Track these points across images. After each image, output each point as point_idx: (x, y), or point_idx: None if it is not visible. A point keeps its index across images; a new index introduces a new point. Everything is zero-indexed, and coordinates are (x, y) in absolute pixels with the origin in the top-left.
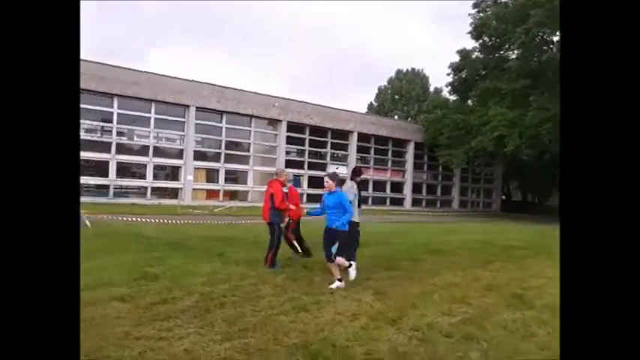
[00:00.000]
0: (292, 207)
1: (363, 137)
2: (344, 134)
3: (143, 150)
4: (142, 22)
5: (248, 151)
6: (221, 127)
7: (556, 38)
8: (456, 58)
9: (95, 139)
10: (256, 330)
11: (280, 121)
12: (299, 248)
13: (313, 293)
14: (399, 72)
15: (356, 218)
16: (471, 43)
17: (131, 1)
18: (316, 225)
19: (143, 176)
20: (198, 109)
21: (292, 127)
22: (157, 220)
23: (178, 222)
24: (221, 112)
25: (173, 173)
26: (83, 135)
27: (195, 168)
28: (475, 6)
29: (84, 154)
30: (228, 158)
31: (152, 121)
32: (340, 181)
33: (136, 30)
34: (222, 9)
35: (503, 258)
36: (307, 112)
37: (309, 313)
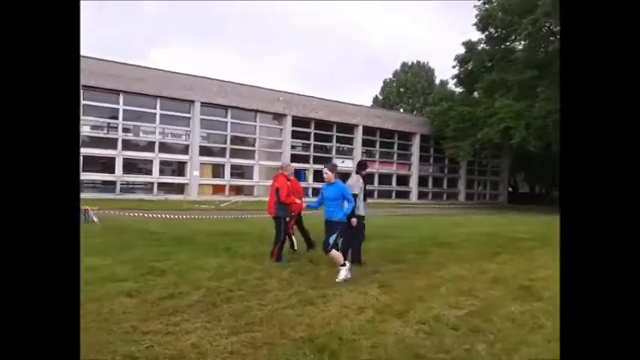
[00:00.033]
0: (297, 201)
1: (368, 131)
2: (349, 128)
3: (149, 146)
4: (143, 22)
5: (253, 145)
6: (226, 122)
7: None
8: (462, 50)
9: (102, 135)
10: (263, 324)
11: (285, 115)
12: (295, 244)
13: (319, 287)
14: (404, 65)
15: (361, 212)
16: (476, 35)
17: (132, 1)
18: (319, 219)
19: (149, 172)
20: (203, 104)
21: (297, 121)
22: (163, 216)
23: (185, 217)
24: (226, 107)
25: (179, 169)
26: (90, 132)
27: (201, 163)
28: None
29: (91, 151)
30: (234, 153)
31: (157, 117)
32: (343, 175)
33: (136, 29)
34: (222, 8)
35: (510, 250)
36: (312, 106)
37: (316, 307)
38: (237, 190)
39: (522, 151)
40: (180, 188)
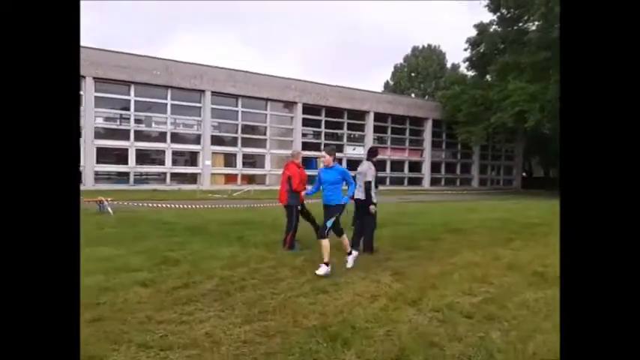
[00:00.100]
0: (309, 187)
1: (379, 117)
2: (360, 114)
3: (161, 136)
4: (152, 11)
5: (264, 134)
6: (237, 111)
7: None
8: (474, 33)
9: (114, 127)
10: (276, 312)
11: (296, 103)
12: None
13: (332, 275)
14: (414, 49)
15: (373, 199)
16: (488, 17)
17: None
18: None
19: (162, 162)
20: (213, 93)
21: (308, 108)
22: (176, 206)
23: (198, 207)
24: (237, 96)
25: (192, 158)
26: (103, 124)
27: (213, 153)
28: None
29: (105, 142)
30: (245, 142)
31: (169, 108)
32: (355, 162)
33: (145, 19)
34: None
35: (524, 236)
36: (323, 93)
37: (328, 295)
38: (249, 179)
39: (537, 135)
40: (193, 178)
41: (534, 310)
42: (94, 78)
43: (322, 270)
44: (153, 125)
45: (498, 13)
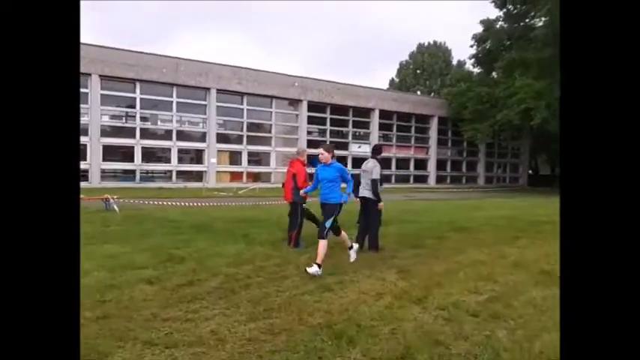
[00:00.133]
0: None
1: (385, 114)
2: (366, 112)
3: (167, 134)
4: (157, 9)
5: (270, 132)
6: (242, 109)
7: None
8: (480, 29)
9: (120, 125)
10: (281, 310)
11: (301, 100)
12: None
13: (337, 273)
14: (420, 46)
15: (377, 197)
16: (494, 13)
17: None
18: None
19: (168, 160)
20: (219, 91)
21: (313, 106)
22: (182, 204)
23: (203, 204)
24: (242, 94)
25: (197, 156)
26: (109, 121)
27: (219, 150)
28: None
29: (111, 140)
30: (251, 140)
31: (174, 105)
32: (360, 160)
33: (150, 17)
34: None
35: (530, 234)
36: (328, 90)
37: (334, 293)
38: (255, 176)
39: (543, 133)
40: (198, 176)
41: (541, 308)
42: (100, 76)
43: (313, 269)
44: (158, 123)
45: (504, 9)
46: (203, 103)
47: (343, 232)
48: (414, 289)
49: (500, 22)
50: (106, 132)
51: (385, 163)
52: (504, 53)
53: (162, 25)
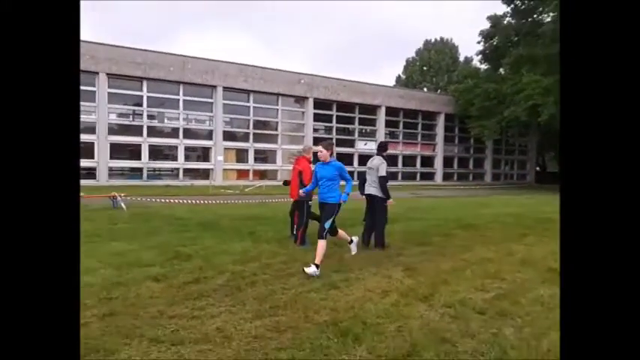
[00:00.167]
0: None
1: (391, 111)
2: (372, 109)
3: (174, 132)
4: (164, 7)
5: (276, 129)
6: (249, 107)
7: None
8: (487, 25)
9: (127, 123)
10: (287, 308)
11: (307, 98)
12: (295, 230)
13: (343, 270)
14: (427, 42)
15: (385, 194)
16: (502, 8)
17: None
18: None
19: (175, 158)
20: (225, 89)
21: (319, 103)
22: (189, 201)
23: (210, 202)
24: (248, 92)
25: (204, 154)
26: (117, 120)
27: (225, 148)
28: None
29: (118, 138)
30: (257, 138)
31: (181, 103)
32: (366, 157)
33: (156, 15)
34: None
35: (538, 231)
36: (334, 87)
37: (339, 291)
38: (261, 174)
39: (551, 129)
40: (205, 174)
41: (548, 306)
42: (107, 74)
43: (311, 269)
44: (165, 121)
45: (512, 5)
46: (210, 100)
47: (340, 231)
48: (420, 287)
49: (507, 18)
50: (113, 130)
51: (392, 161)
52: (512, 49)
53: (164, 24)
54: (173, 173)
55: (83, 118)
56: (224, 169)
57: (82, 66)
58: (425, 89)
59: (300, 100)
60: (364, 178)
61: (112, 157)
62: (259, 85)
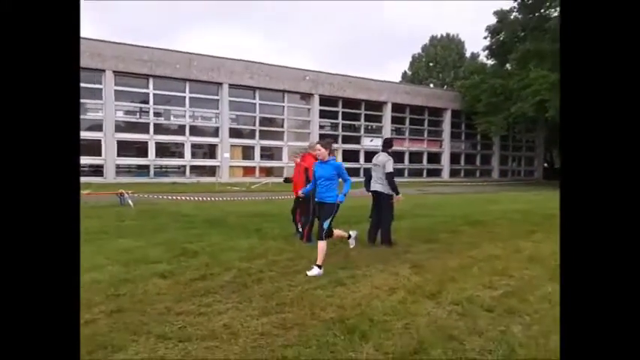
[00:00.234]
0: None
1: (397, 107)
2: (378, 105)
3: (180, 129)
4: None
5: (282, 126)
6: (254, 104)
7: None
8: (493, 20)
9: (134, 120)
10: (293, 305)
11: (313, 94)
12: (299, 227)
13: (350, 267)
14: (433, 38)
15: (389, 191)
16: (508, 3)
17: None
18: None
19: (182, 155)
20: (231, 86)
21: (325, 100)
22: (196, 198)
23: (217, 199)
24: (254, 89)
25: (210, 151)
26: (124, 117)
27: (232, 145)
28: None
29: (125, 136)
30: (263, 135)
31: (187, 100)
32: (372, 154)
33: (162, 12)
34: None
35: (545, 228)
36: (340, 84)
37: (346, 288)
38: (267, 171)
39: (558, 125)
40: (211, 170)
41: (556, 303)
42: (114, 72)
43: (314, 271)
44: (172, 118)
45: (519, 0)
46: (215, 98)
47: (336, 230)
48: (427, 284)
49: (514, 13)
50: (120, 127)
51: (398, 157)
52: (518, 45)
53: (170, 21)
54: (180, 170)
55: (90, 115)
56: (230, 166)
57: (89, 64)
58: (431, 85)
59: (306, 96)
60: (369, 174)
61: (119, 155)
62: (265, 82)
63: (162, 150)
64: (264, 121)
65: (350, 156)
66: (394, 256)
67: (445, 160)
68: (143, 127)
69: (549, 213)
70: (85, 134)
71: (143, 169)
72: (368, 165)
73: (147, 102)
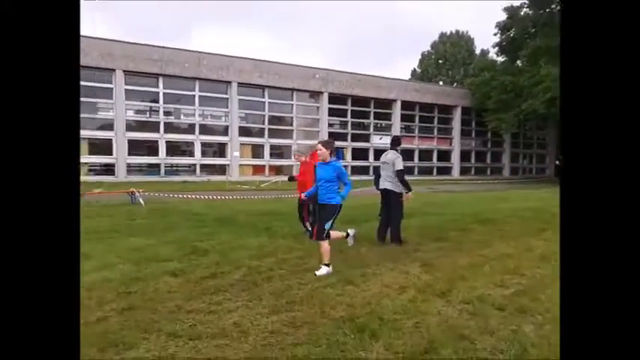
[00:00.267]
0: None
1: (406, 105)
2: (387, 103)
3: (190, 128)
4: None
5: (291, 125)
6: (264, 102)
7: None
8: (503, 17)
9: (144, 119)
10: (303, 303)
11: (322, 92)
12: (309, 227)
13: (359, 266)
14: (442, 35)
15: (398, 189)
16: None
17: None
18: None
19: (192, 154)
20: (240, 84)
21: (334, 98)
22: (206, 197)
23: (227, 198)
24: (263, 87)
25: (220, 150)
26: (134, 116)
27: (241, 144)
28: None
29: (135, 135)
30: (272, 133)
31: (197, 99)
32: (381, 152)
33: (171, 11)
34: None
35: (557, 226)
36: (349, 82)
37: (356, 286)
38: (277, 170)
39: None
40: (222, 169)
41: None
42: (124, 71)
43: (323, 270)
44: (182, 117)
45: None
46: (225, 96)
47: (332, 232)
48: (437, 283)
49: (524, 9)
50: (131, 127)
51: (408, 155)
52: (529, 41)
53: (181, 21)
54: (190, 169)
55: (102, 115)
56: (240, 165)
57: (100, 63)
58: (441, 83)
59: (315, 95)
60: (379, 173)
61: (130, 154)
62: (274, 81)
63: (173, 149)
64: (274, 120)
65: (359, 154)
66: (404, 254)
67: (455, 157)
68: (153, 126)
69: None
70: (96, 133)
71: (154, 168)
72: (377, 163)
73: (157, 101)
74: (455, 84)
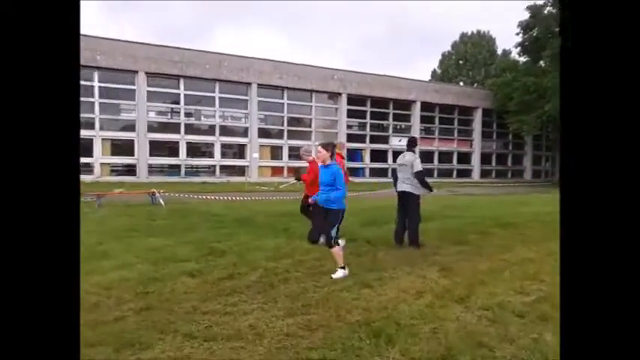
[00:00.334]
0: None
1: (426, 106)
2: (407, 104)
3: (210, 129)
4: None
5: (310, 126)
6: (283, 104)
7: None
8: (526, 16)
9: (166, 120)
10: (319, 306)
11: (340, 94)
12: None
13: (376, 269)
14: (463, 35)
15: (417, 191)
16: None
17: None
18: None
19: (212, 155)
20: (260, 86)
21: (353, 99)
22: (225, 198)
23: (246, 199)
24: (282, 88)
25: (240, 151)
26: (156, 117)
27: (260, 145)
28: None
29: (157, 136)
30: (291, 135)
31: (217, 101)
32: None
33: (192, 13)
34: None
35: None
36: (367, 83)
37: (372, 290)
38: (295, 171)
39: None
40: (241, 170)
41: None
42: (146, 73)
43: (339, 273)
44: (202, 118)
45: None
46: (245, 98)
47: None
48: (456, 288)
49: (548, 8)
50: (152, 128)
51: (427, 157)
52: (552, 40)
53: (200, 22)
54: (210, 170)
55: (124, 116)
56: (259, 166)
57: (122, 65)
58: (461, 83)
59: (334, 96)
60: (396, 175)
61: (151, 155)
62: (293, 82)
63: (193, 150)
64: (292, 121)
65: (378, 156)
66: (422, 258)
67: (476, 160)
68: (174, 128)
69: None
70: (118, 134)
71: (174, 169)
72: (395, 165)
73: (178, 102)
74: (475, 85)
